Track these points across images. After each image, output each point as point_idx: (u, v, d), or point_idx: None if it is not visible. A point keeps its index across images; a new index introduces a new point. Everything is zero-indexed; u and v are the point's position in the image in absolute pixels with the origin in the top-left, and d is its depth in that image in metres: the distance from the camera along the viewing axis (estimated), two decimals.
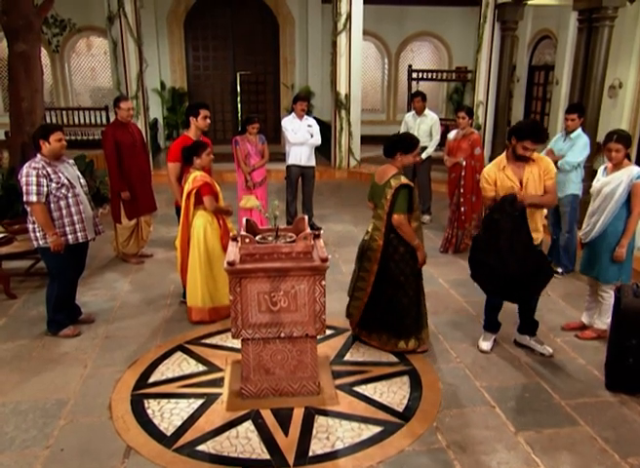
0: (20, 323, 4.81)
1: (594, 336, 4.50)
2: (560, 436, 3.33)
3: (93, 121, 12.64)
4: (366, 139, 12.05)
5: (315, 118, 13.24)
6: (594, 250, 4.35)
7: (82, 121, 12.70)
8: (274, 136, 13.50)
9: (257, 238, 3.60)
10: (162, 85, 13.58)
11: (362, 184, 10.76)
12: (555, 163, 4.92)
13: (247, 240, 3.45)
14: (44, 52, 11.27)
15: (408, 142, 4.04)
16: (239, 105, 14.28)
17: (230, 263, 3.38)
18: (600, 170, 4.43)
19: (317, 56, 14.02)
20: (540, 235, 4.09)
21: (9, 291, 5.31)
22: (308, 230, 3.61)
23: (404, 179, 3.95)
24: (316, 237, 3.78)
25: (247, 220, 3.81)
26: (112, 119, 6.31)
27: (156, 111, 13.15)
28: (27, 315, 4.96)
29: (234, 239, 3.81)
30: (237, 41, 14.02)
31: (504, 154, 4.08)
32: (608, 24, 6.50)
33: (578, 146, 5.56)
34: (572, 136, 5.60)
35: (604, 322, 4.43)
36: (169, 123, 13.80)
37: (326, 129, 11.23)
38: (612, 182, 4.19)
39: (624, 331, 3.67)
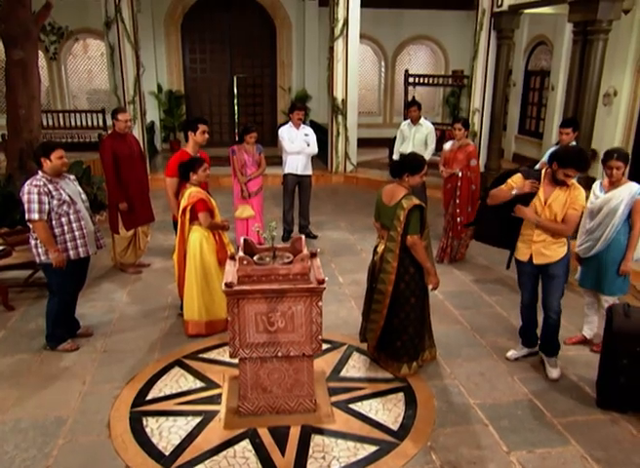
0: (18, 336, 4.85)
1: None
2: (552, 455, 3.40)
3: (89, 123, 12.63)
4: (362, 142, 12.09)
5: (312, 121, 13.37)
6: (599, 264, 4.43)
7: (79, 123, 12.69)
8: (271, 138, 13.52)
9: (254, 258, 3.64)
10: (159, 88, 13.58)
11: (358, 189, 10.82)
12: None
13: (245, 262, 3.49)
14: (40, 54, 11.28)
15: (415, 164, 4.07)
16: (236, 108, 14.30)
17: (228, 285, 3.43)
18: (596, 186, 4.51)
19: (314, 58, 14.07)
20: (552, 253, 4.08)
21: (7, 302, 5.34)
22: (305, 251, 3.66)
23: (415, 200, 3.96)
24: (313, 256, 3.83)
25: (244, 240, 3.86)
26: (109, 122, 6.33)
27: (153, 114, 13.16)
28: (26, 328, 4.99)
29: (232, 258, 3.86)
30: (234, 44, 14.04)
31: (543, 172, 4.09)
32: (602, 38, 6.54)
33: None
34: None
35: None
36: (166, 126, 13.83)
37: (322, 133, 11.28)
38: (613, 199, 4.28)
39: (617, 351, 3.73)
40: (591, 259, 4.46)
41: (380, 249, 4.15)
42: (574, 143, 5.68)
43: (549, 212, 3.98)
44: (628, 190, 4.24)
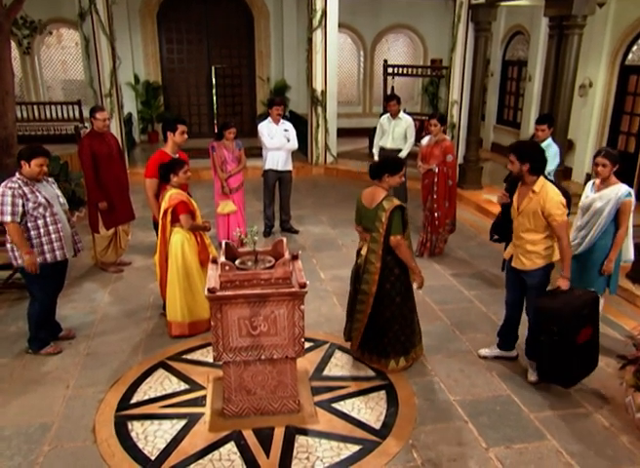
0: None
1: None
2: (529, 450, 3.51)
3: (65, 116, 12.40)
4: (342, 132, 12.09)
5: (291, 112, 13.31)
6: (583, 263, 4.55)
7: (54, 116, 12.45)
8: (250, 129, 13.42)
9: (236, 262, 3.67)
10: (136, 79, 13.40)
11: (339, 181, 10.84)
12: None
13: (227, 267, 3.51)
14: (13, 46, 11.04)
15: (394, 165, 4.13)
16: (214, 98, 14.17)
17: (211, 290, 3.46)
18: (588, 186, 4.64)
19: (292, 48, 13.98)
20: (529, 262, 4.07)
21: None
22: (287, 255, 3.69)
23: (396, 201, 4.05)
24: (294, 258, 3.87)
25: (226, 244, 3.88)
26: (86, 114, 6.20)
27: (130, 106, 13.00)
28: (6, 331, 4.96)
29: (214, 261, 3.88)
30: (211, 34, 13.87)
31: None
32: (577, 33, 6.64)
33: (548, 155, 5.70)
34: (542, 145, 5.74)
35: None
36: (143, 117, 13.66)
37: (302, 123, 11.26)
38: (601, 199, 4.39)
39: (537, 327, 4.03)
40: (577, 257, 4.53)
41: (364, 251, 4.21)
42: (550, 139, 5.80)
43: (524, 219, 3.96)
44: (616, 191, 4.34)
